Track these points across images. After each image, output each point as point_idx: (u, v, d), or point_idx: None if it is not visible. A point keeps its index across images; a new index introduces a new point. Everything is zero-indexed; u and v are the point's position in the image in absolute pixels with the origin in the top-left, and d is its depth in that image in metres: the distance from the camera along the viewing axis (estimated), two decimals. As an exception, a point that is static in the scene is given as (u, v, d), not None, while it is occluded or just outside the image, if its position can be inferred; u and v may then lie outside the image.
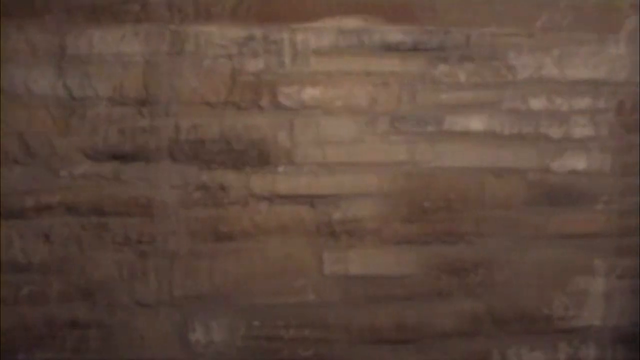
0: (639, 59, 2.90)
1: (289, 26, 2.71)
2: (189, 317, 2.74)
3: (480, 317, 2.85)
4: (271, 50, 2.71)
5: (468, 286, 2.82)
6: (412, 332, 2.81)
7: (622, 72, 2.87)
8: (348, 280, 2.76)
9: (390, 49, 2.75)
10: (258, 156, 2.71)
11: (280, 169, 2.72)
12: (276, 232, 2.73)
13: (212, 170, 2.70)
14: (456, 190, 2.79)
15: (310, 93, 2.71)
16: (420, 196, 2.77)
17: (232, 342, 2.75)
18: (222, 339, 2.76)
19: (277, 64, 2.71)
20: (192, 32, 2.67)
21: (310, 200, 2.73)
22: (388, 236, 2.76)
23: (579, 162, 2.86)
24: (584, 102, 2.85)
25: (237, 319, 2.75)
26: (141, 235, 2.70)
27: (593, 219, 2.88)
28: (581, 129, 2.85)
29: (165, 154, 2.68)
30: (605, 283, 2.89)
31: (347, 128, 2.73)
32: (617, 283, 2.91)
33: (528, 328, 2.89)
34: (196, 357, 2.75)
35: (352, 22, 2.73)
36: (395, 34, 2.75)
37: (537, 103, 2.82)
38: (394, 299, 2.79)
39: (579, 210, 2.87)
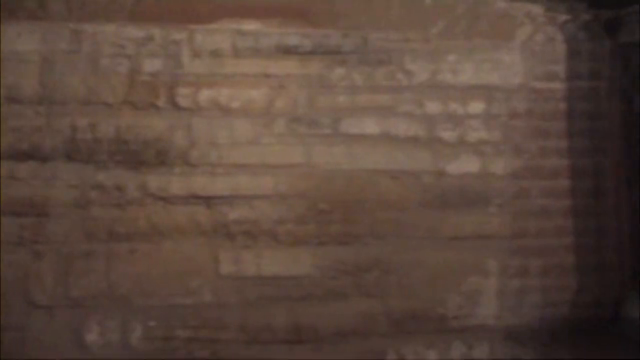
0: (532, 66, 3.02)
1: (188, 27, 2.78)
2: (85, 318, 2.78)
3: (376, 317, 2.95)
4: (169, 51, 2.77)
5: (364, 286, 2.92)
6: (308, 332, 2.90)
7: (515, 78, 3.02)
8: (244, 281, 2.84)
9: (288, 51, 2.84)
10: (155, 156, 2.77)
11: (177, 169, 2.78)
12: (172, 233, 2.80)
13: (109, 170, 2.75)
14: (352, 192, 2.89)
15: (207, 94, 2.79)
16: (316, 197, 2.87)
17: (128, 342, 2.80)
18: (118, 340, 2.80)
19: (175, 64, 2.78)
20: (90, 30, 2.72)
21: (207, 200, 2.80)
22: (284, 237, 2.85)
23: (473, 165, 2.99)
24: (478, 107, 2.98)
25: (133, 320, 2.81)
26: (36, 235, 2.73)
27: (486, 221, 3.01)
28: (475, 133, 2.99)
29: (61, 153, 2.72)
30: (498, 283, 3.02)
31: (244, 129, 2.81)
32: (509, 283, 3.03)
33: (423, 327, 3.00)
34: (92, 357, 2.77)
35: (250, 25, 2.81)
36: (293, 37, 2.84)
37: (432, 107, 2.94)
38: (289, 299, 2.88)
39: (473, 212, 3.00)
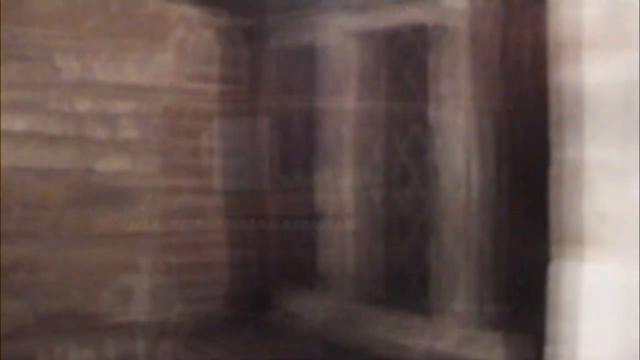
0: (185, 66, 3.36)
1: None
2: None
3: (24, 318, 3.12)
4: None
5: (10, 287, 3.06)
6: (-50, 337, 2.99)
7: (168, 78, 3.33)
8: None
9: None
10: None
11: None
12: None
13: None
14: (-3, 190, 3.03)
15: None
16: (-43, 195, 2.97)
17: None
18: None
19: None
20: None
21: None
22: None
23: (123, 163, 3.27)
24: (130, 106, 3.26)
25: None
26: None
27: (137, 219, 3.29)
28: (127, 132, 3.26)
29: None
30: (150, 280, 3.31)
31: None
32: (162, 279, 3.34)
33: (74, 326, 3.21)
34: None
35: None
36: None
37: (82, 105, 3.18)
38: None
39: (123, 210, 3.28)
